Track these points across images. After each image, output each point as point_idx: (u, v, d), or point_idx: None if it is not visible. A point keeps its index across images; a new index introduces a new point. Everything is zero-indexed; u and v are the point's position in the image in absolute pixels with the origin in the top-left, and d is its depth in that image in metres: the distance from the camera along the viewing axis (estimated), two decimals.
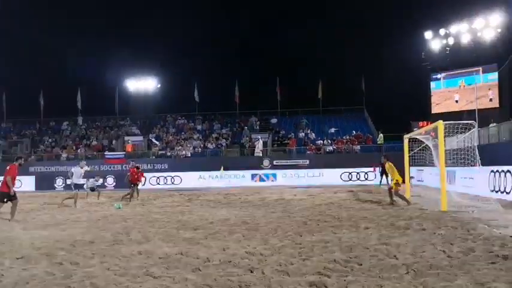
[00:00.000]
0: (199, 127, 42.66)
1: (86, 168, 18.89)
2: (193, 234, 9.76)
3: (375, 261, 6.72)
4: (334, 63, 48.96)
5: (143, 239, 9.33)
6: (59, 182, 34.09)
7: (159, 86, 47.47)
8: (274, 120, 42.80)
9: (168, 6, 53.38)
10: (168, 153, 36.95)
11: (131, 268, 6.68)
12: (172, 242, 8.80)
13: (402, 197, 15.37)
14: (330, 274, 5.99)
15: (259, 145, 35.48)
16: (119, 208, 16.64)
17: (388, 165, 15.86)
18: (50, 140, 41.39)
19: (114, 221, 12.69)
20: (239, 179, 32.88)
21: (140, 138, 40.22)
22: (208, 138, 39.38)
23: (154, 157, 36.31)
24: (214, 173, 32.98)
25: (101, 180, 32.14)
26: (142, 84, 46.60)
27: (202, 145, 38.16)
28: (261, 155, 34.97)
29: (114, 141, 40.21)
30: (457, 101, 37.17)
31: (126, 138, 39.85)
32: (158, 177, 33.47)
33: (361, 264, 6.54)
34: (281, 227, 10.46)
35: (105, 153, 37.08)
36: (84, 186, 19.23)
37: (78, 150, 38.39)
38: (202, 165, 33.91)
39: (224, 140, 38.83)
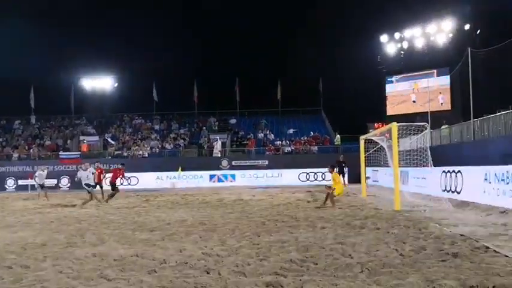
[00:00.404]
0: (157, 127, 42.13)
1: (91, 169, 18.26)
2: (149, 236, 9.64)
3: (331, 260, 6.82)
4: (293, 64, 49.35)
5: (98, 240, 9.14)
6: (10, 183, 33.05)
7: (116, 85, 46.59)
8: (233, 121, 42.70)
9: (126, 5, 52.38)
10: (125, 153, 36.34)
11: (85, 271, 6.52)
12: (127, 244, 8.66)
13: (332, 201, 15.11)
14: (286, 274, 6.03)
15: (217, 145, 35.38)
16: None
17: (334, 175, 15.77)
18: (0, 140, 39.92)
19: (68, 222, 12.38)
20: (197, 179, 32.70)
21: (96, 138, 39.41)
22: (166, 139, 38.97)
23: (110, 157, 35.56)
24: (172, 174, 32.65)
25: (55, 181, 31.45)
26: (99, 83, 45.61)
27: (160, 145, 37.73)
28: (219, 155, 34.89)
29: (68, 141, 39.19)
30: (414, 101, 38.27)
31: (82, 137, 38.93)
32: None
33: (316, 264, 6.61)
34: (239, 228, 10.46)
35: (60, 153, 36.14)
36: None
37: (31, 150, 37.21)
38: (160, 166, 33.56)
39: (182, 141, 38.52)
